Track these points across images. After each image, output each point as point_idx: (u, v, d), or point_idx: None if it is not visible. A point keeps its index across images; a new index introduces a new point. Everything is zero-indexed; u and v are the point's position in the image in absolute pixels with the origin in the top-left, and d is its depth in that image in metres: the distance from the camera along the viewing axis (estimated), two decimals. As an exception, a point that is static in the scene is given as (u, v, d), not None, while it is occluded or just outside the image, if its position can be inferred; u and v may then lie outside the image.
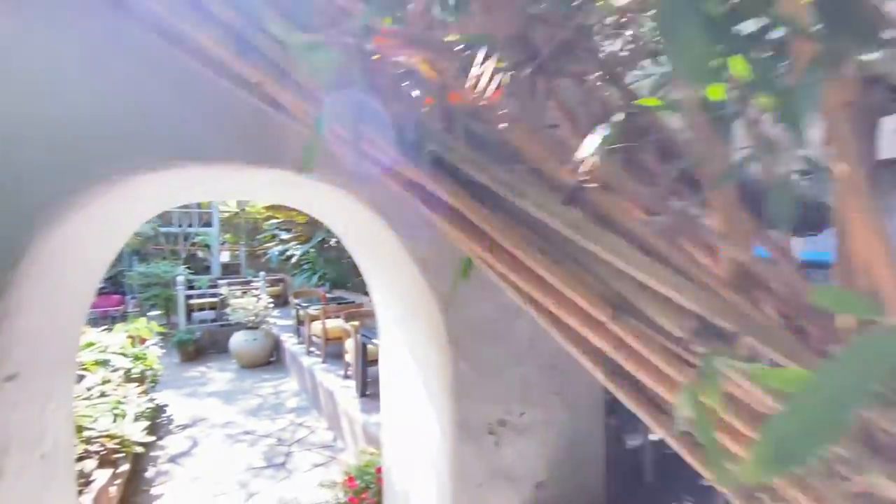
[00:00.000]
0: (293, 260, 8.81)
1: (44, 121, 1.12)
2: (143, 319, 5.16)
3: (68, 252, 1.40)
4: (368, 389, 4.03)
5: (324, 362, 5.13)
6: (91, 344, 4.35)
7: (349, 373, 4.56)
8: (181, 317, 7.40)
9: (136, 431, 3.37)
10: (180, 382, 5.94)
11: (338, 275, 7.52)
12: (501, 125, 0.82)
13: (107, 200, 1.31)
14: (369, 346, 3.97)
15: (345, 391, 4.13)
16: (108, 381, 3.96)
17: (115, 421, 3.37)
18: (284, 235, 9.48)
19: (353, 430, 3.70)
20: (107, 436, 3.16)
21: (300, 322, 6.40)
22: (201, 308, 8.13)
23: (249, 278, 11.20)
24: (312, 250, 7.89)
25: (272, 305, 6.93)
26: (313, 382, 4.88)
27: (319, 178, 1.41)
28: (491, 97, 0.81)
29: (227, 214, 17.46)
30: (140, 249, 11.45)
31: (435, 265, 1.61)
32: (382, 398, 2.35)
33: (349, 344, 4.38)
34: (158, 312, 8.88)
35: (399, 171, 0.86)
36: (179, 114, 1.28)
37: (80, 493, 2.42)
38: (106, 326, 6.42)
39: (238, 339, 6.52)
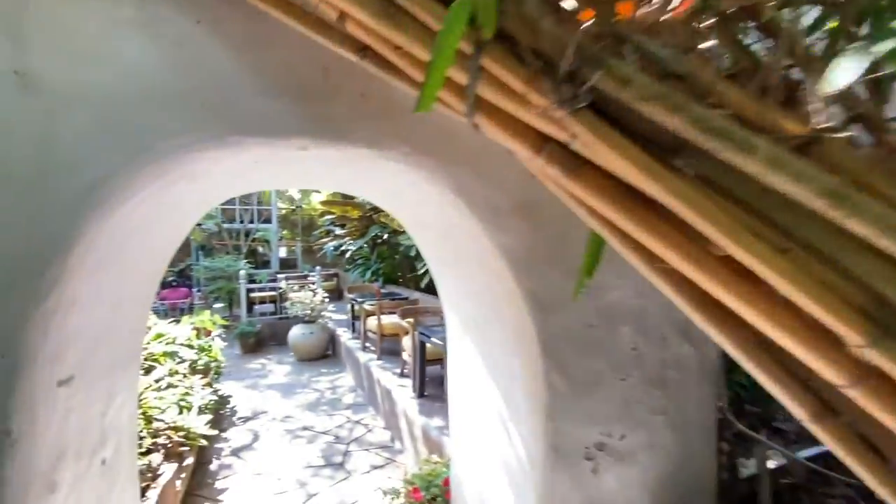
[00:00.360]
0: (347, 255, 8.88)
1: (94, 90, 0.99)
2: (206, 312, 5.31)
3: (131, 239, 1.29)
4: (427, 390, 3.85)
5: (379, 359, 5.03)
6: (160, 335, 4.50)
7: (406, 371, 4.41)
8: (243, 309, 7.66)
9: (200, 424, 3.40)
10: (242, 374, 6.11)
11: (391, 270, 7.45)
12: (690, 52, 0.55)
13: (167, 182, 1.17)
14: (428, 346, 3.78)
15: (402, 391, 3.98)
16: (176, 373, 4.07)
17: (181, 413, 3.42)
18: (339, 231, 9.60)
19: (411, 432, 3.53)
20: (173, 428, 3.20)
21: (355, 317, 6.38)
22: (262, 301, 8.40)
23: (306, 273, 11.53)
24: (366, 246, 7.88)
25: (327, 300, 6.97)
26: (370, 379, 4.79)
27: (396, 155, 1.19)
28: (676, 11, 0.55)
29: (284, 211, 18.18)
30: (205, 245, 12.11)
31: (526, 260, 1.35)
32: (451, 406, 2.12)
33: (406, 342, 4.22)
34: (222, 305, 9.31)
35: (533, 122, 0.61)
36: (241, 85, 1.11)
37: (147, 488, 2.42)
38: (173, 318, 6.76)
39: (296, 333, 6.62)
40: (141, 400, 3.17)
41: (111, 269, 1.23)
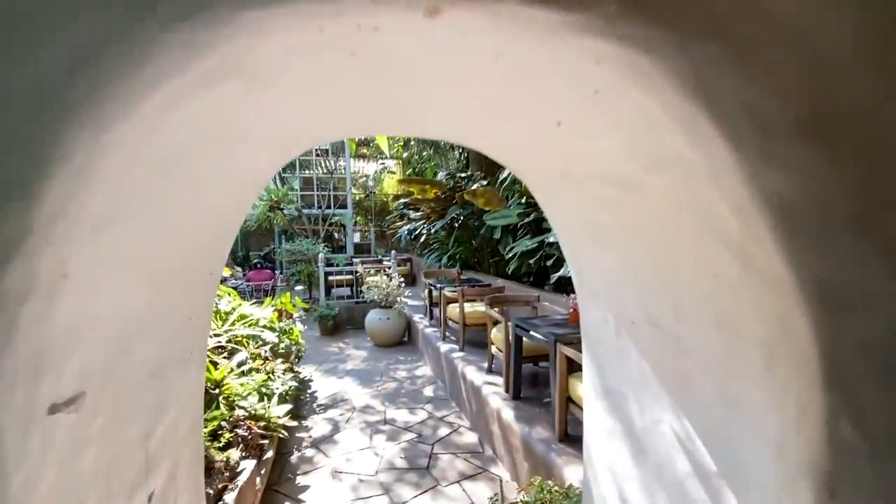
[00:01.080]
0: (422, 239, 8.57)
1: None
2: (287, 294, 5.22)
3: (169, 178, 0.88)
4: (523, 391, 3.33)
5: (461, 350, 4.60)
6: (244, 317, 4.44)
7: (493, 366, 3.93)
8: (321, 292, 7.67)
9: (281, 413, 3.19)
10: (321, 357, 6.04)
11: (468, 255, 6.98)
12: None
13: (213, 78, 0.72)
14: (525, 340, 3.25)
15: (492, 390, 3.50)
16: (258, 356, 3.94)
17: (261, 400, 3.23)
18: (413, 214, 9.32)
19: (507, 440, 3.04)
20: (253, 417, 3.01)
21: (432, 303, 6.02)
22: (339, 284, 8.40)
23: (380, 257, 11.51)
24: (443, 231, 7.49)
25: (403, 285, 6.70)
26: (452, 373, 4.38)
27: (590, 20, 0.65)
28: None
29: (358, 197, 18.53)
30: (287, 229, 12.58)
31: (812, 221, 0.74)
32: (589, 440, 1.56)
33: (496, 334, 3.72)
34: (302, 287, 9.53)
35: None
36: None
37: (224, 489, 2.18)
38: (257, 300, 6.89)
39: (372, 318, 6.44)
40: (223, 386, 3.00)
41: (138, 225, 0.83)
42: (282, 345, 4.42)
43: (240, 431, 2.72)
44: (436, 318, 6.03)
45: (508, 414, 3.09)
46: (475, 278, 6.00)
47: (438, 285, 5.37)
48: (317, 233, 12.15)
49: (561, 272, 3.41)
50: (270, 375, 3.85)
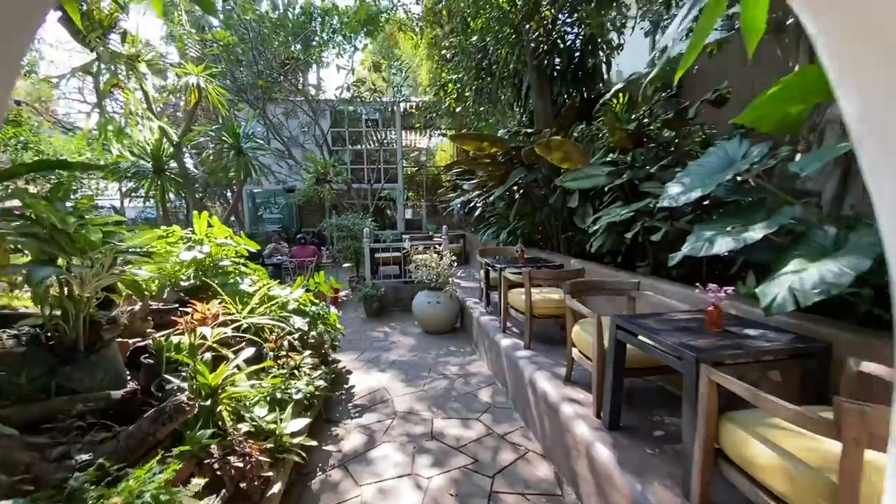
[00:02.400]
0: (477, 213, 7.61)
1: None
2: (322, 273, 4.53)
3: None
4: (623, 418, 2.36)
5: (527, 347, 3.67)
6: (271, 299, 3.80)
7: (574, 375, 2.97)
8: (367, 270, 7.01)
9: (297, 428, 2.47)
10: (363, 342, 5.38)
11: (532, 230, 5.94)
12: None
13: None
14: (629, 347, 2.25)
15: (575, 410, 2.55)
16: (280, 349, 3.26)
17: (272, 410, 2.52)
18: (466, 185, 8.35)
19: (604, 492, 2.10)
20: (258, 435, 2.30)
21: (489, 286, 5.10)
22: (385, 262, 7.71)
23: (431, 233, 10.72)
24: (502, 202, 6.47)
25: (455, 264, 5.82)
26: (516, 376, 3.47)
27: None
28: None
29: (409, 172, 17.81)
30: (336, 204, 12.12)
31: None
32: None
33: (579, 333, 2.74)
34: (349, 265, 8.99)
35: None
36: None
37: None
38: (297, 276, 6.35)
39: (420, 301, 5.65)
40: (220, 394, 2.30)
41: None
42: (312, 332, 3.73)
43: (234, 460, 2.01)
44: (493, 305, 5.12)
45: (604, 453, 2.13)
46: (542, 258, 4.97)
47: (497, 265, 4.42)
48: (366, 208, 11.58)
49: (686, 248, 2.33)
50: (295, 372, 3.16)
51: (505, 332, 4.15)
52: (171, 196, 9.26)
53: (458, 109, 7.79)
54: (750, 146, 2.55)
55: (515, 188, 5.78)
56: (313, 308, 3.97)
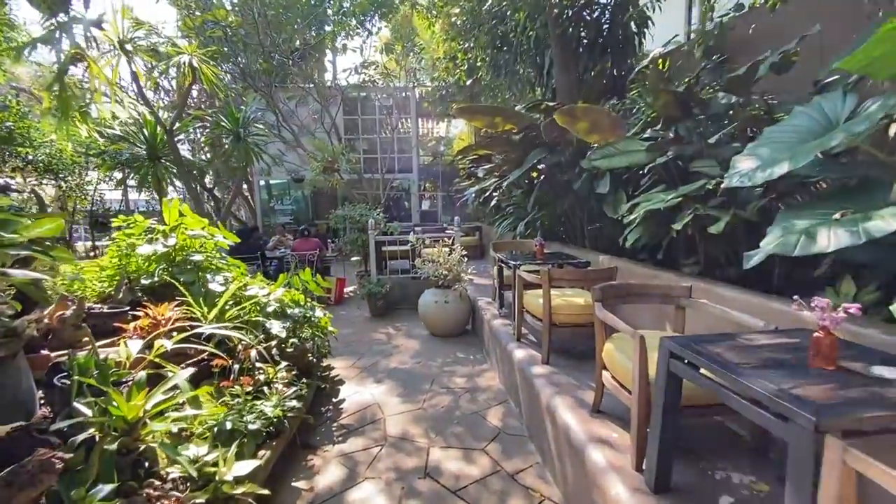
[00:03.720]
0: (492, 202, 6.96)
1: None
2: (307, 271, 4.00)
3: None
4: (676, 473, 1.72)
5: (546, 362, 3.05)
6: (248, 299, 3.29)
7: (604, 405, 2.33)
8: (372, 265, 6.48)
9: (245, 471, 1.93)
10: (363, 346, 4.85)
11: (553, 222, 5.27)
12: None
13: None
14: (688, 384, 1.60)
15: (607, 457, 1.92)
16: (246, 362, 2.74)
17: (217, 445, 1.99)
18: (482, 173, 7.69)
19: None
20: (187, 483, 1.77)
21: (503, 285, 4.47)
22: (392, 256, 7.16)
23: (445, 225, 10.11)
24: (519, 190, 5.80)
25: (466, 258, 5.21)
26: (531, 398, 2.86)
27: None
28: None
29: (426, 161, 17.20)
30: (346, 195, 11.64)
31: None
32: None
33: (613, 354, 2.10)
34: (357, 258, 8.49)
35: None
36: None
37: None
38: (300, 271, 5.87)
39: (427, 300, 5.08)
40: (137, 430, 1.78)
41: None
42: (292, 340, 3.21)
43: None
44: (508, 307, 4.49)
45: (652, 532, 1.50)
46: (564, 253, 4.31)
47: (511, 262, 3.79)
48: (378, 198, 11.05)
49: (772, 245, 1.66)
50: (265, 390, 2.64)
51: (520, 342, 3.53)
52: (179, 185, 8.95)
53: (468, 83, 7.07)
54: (857, 101, 1.84)
55: (535, 173, 5.11)
56: (296, 310, 3.43)
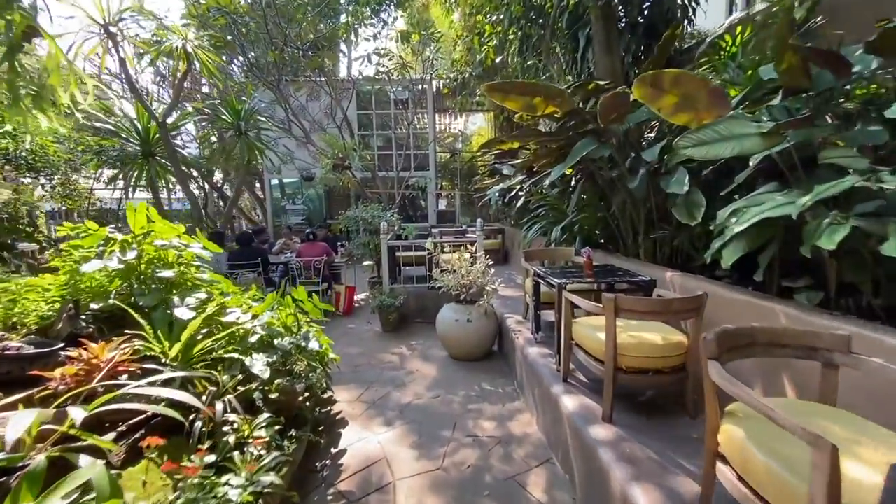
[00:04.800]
0: (519, 202, 6.21)
1: None
2: (301, 289, 3.31)
3: None
4: None
5: (608, 420, 2.29)
6: (225, 327, 2.63)
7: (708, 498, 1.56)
8: (385, 274, 5.79)
9: None
10: (372, 370, 4.16)
11: (593, 225, 4.49)
12: None
13: None
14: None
15: None
16: (214, 418, 2.06)
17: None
18: (506, 170, 6.94)
19: None
20: None
21: (539, 303, 3.70)
22: (409, 263, 6.47)
23: (464, 227, 9.37)
24: (554, 189, 5.03)
25: (492, 267, 4.47)
26: (591, 471, 2.10)
27: None
28: None
29: (443, 159, 16.48)
30: (360, 194, 11.00)
31: None
32: None
33: (748, 447, 1.33)
34: (369, 263, 7.83)
35: None
36: None
37: None
38: (305, 279, 5.25)
39: (446, 316, 4.35)
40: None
41: None
42: (277, 381, 2.53)
43: None
44: (547, 330, 3.73)
45: None
46: (616, 266, 3.52)
47: (554, 279, 3.03)
48: (392, 198, 10.38)
49: None
50: (236, 456, 1.96)
51: (566, 382, 2.78)
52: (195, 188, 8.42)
53: (496, 61, 6.25)
54: None
55: (569, 170, 4.32)
56: (286, 341, 2.75)
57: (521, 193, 6.52)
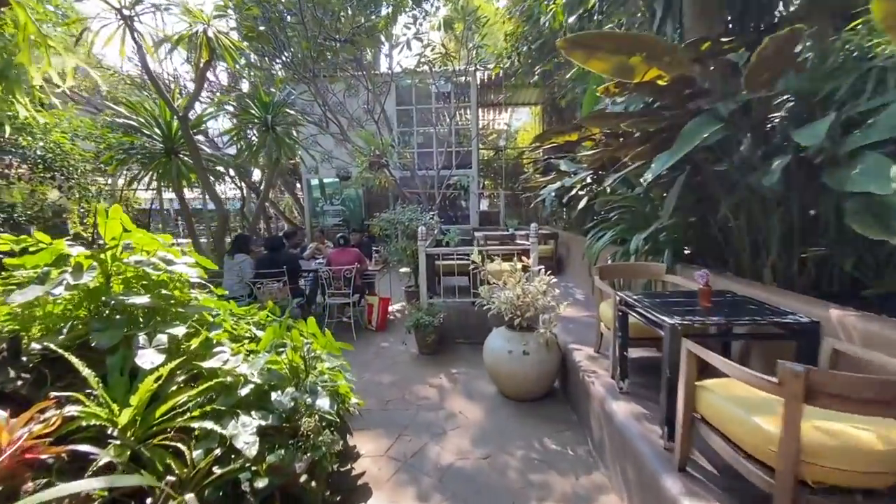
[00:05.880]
0: (581, 204, 5.28)
1: None
2: (312, 321, 2.58)
3: None
4: None
5: (782, 565, 1.38)
6: (209, 377, 1.95)
7: None
8: (422, 286, 5.03)
9: None
10: (404, 412, 3.39)
11: (680, 235, 3.51)
12: None
13: None
14: None
15: None
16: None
17: None
18: (565, 165, 5.99)
19: None
20: None
21: (627, 341, 2.77)
22: (448, 272, 5.69)
23: (511, 230, 8.47)
24: (631, 188, 4.08)
25: (556, 290, 3.59)
26: None
27: None
28: None
29: (486, 157, 15.60)
30: (398, 194, 10.36)
31: None
32: None
33: None
34: (406, 270, 7.12)
35: None
36: None
37: None
38: (332, 289, 4.58)
39: (497, 347, 3.52)
40: None
41: None
42: (270, 458, 1.80)
43: None
44: (635, 375, 2.80)
45: None
46: (747, 297, 2.53)
47: (663, 316, 2.12)
48: (432, 198, 9.65)
49: None
50: None
51: (685, 472, 1.87)
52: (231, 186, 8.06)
53: (570, 20, 5.20)
54: None
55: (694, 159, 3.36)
56: (286, 397, 2.02)
57: (581, 193, 5.57)
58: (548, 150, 6.83)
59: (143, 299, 2.09)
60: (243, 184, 10.75)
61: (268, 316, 2.90)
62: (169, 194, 8.12)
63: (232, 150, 9.82)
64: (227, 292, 2.97)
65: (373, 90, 9.34)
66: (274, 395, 2.01)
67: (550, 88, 8.79)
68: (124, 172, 5.13)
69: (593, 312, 4.76)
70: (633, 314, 2.52)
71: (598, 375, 2.97)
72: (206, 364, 1.96)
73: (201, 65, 5.01)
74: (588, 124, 3.08)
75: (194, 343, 2.08)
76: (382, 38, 11.00)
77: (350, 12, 8.82)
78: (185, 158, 5.38)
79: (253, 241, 5.95)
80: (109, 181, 6.35)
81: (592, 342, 3.55)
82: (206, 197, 10.34)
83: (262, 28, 6.99)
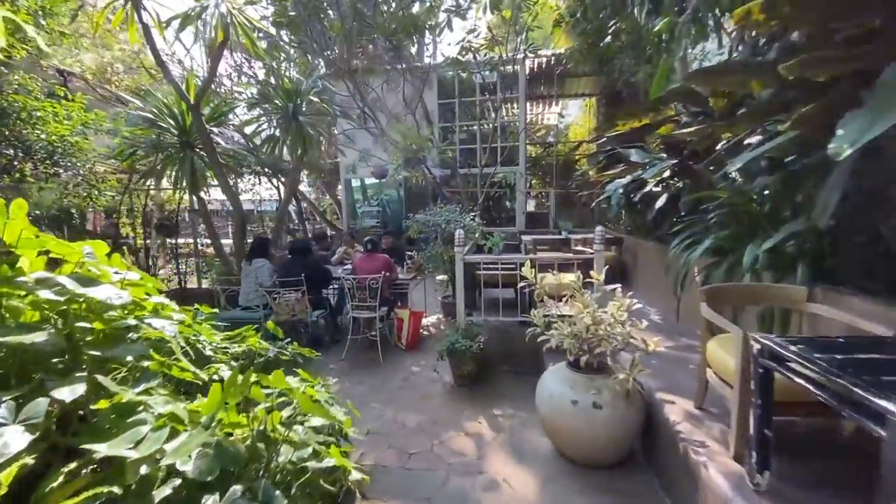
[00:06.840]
0: (658, 204, 4.27)
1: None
2: (279, 373, 1.81)
3: None
4: None
5: None
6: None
7: None
8: (459, 303, 4.20)
9: None
10: (429, 479, 2.57)
11: (803, 245, 2.44)
12: None
13: None
14: None
15: None
16: None
17: None
18: (636, 156, 4.95)
19: None
20: None
21: (768, 407, 1.80)
22: (489, 282, 4.82)
23: (566, 234, 7.44)
24: (745, 180, 3.04)
25: (642, 321, 2.64)
26: None
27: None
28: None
29: (534, 155, 14.52)
30: (438, 193, 9.61)
31: None
32: None
33: None
34: (442, 278, 6.32)
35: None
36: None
37: None
38: (356, 301, 3.87)
39: (555, 392, 2.62)
40: None
41: None
42: None
43: None
44: (783, 464, 1.81)
45: None
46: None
47: (877, 400, 1.16)
48: (474, 197, 8.83)
49: None
50: None
51: None
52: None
53: None
54: None
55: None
56: (233, 496, 1.26)
57: (656, 190, 4.53)
58: (608, 142, 5.79)
59: (37, 336, 1.41)
60: (280, 183, 10.42)
61: (257, 344, 2.19)
62: (217, 193, 7.82)
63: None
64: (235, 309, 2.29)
65: (412, 83, 8.67)
66: (206, 502, 1.26)
67: (609, 73, 7.72)
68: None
69: (677, 341, 3.74)
70: (789, 375, 1.55)
71: (711, 452, 2.00)
72: (105, 448, 1.25)
73: (215, 47, 4.48)
74: (698, 83, 2.13)
75: (102, 405, 1.38)
76: (426, 29, 10.30)
77: (392, 5, 8.21)
78: (202, 152, 4.91)
79: (278, 244, 5.39)
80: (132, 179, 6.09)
81: (686, 389, 2.57)
82: (257, 198, 10.09)
83: (292, 14, 6.46)
